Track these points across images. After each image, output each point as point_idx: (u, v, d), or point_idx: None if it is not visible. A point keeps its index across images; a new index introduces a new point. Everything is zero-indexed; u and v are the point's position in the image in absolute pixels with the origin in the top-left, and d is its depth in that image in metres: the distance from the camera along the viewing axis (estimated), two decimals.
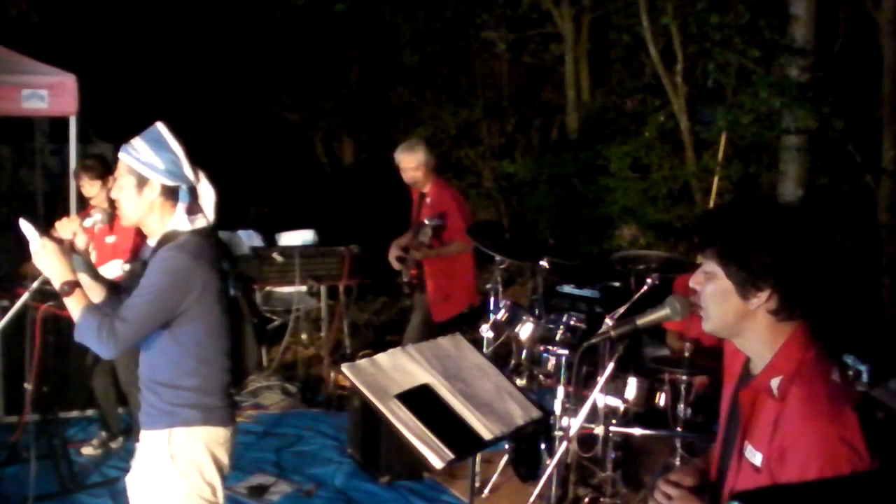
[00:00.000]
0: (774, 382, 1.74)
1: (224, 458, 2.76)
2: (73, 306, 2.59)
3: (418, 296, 5.63)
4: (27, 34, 11.43)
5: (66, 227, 2.75)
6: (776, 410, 1.71)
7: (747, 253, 1.72)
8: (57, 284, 2.60)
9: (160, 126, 2.70)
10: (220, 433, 2.72)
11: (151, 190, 2.65)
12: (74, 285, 2.59)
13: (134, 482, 2.79)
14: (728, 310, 1.78)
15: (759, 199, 1.85)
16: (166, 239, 2.66)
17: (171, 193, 2.66)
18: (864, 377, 3.83)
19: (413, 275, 5.53)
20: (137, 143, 2.67)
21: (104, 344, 2.53)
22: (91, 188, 4.90)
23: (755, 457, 1.74)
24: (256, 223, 8.16)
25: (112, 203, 4.68)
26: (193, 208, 2.69)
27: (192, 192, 2.70)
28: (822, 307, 1.75)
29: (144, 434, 2.74)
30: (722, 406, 1.98)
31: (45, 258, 2.60)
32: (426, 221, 5.36)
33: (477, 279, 5.63)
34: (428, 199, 5.50)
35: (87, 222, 2.86)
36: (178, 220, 2.67)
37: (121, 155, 2.68)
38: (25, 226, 2.69)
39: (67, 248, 2.66)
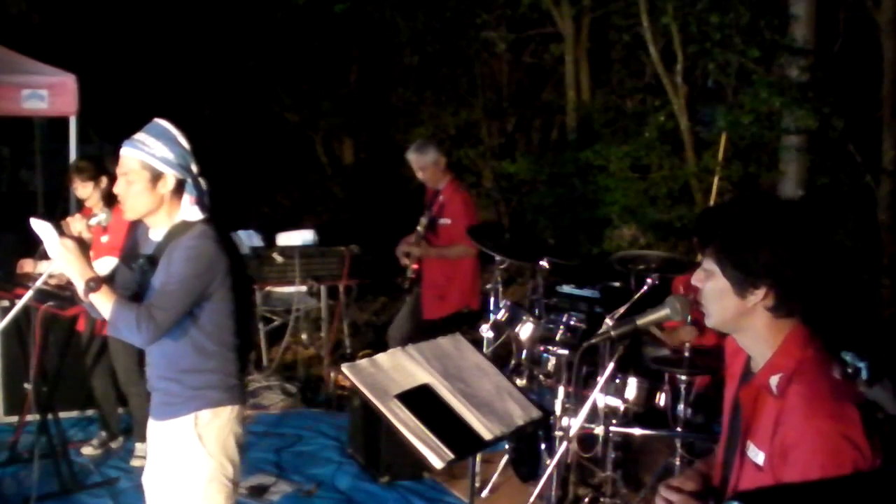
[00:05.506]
0: (774, 380, 1.74)
1: (242, 436, 2.85)
2: (103, 302, 2.60)
3: (416, 290, 5.70)
4: (27, 34, 11.43)
5: (73, 227, 2.78)
6: (777, 408, 1.72)
7: (742, 252, 1.74)
8: (81, 282, 2.60)
9: (162, 121, 2.74)
10: (238, 410, 2.82)
11: (165, 184, 2.69)
12: (100, 281, 2.61)
13: (154, 475, 2.82)
14: (726, 307, 1.79)
15: (755, 198, 1.85)
16: (178, 230, 2.70)
17: (180, 187, 2.71)
18: (864, 374, 3.81)
19: (415, 269, 5.61)
20: (146, 138, 2.70)
21: (143, 333, 2.57)
22: (84, 190, 4.90)
23: (758, 455, 1.74)
24: (256, 223, 8.15)
25: (107, 202, 4.73)
26: (200, 201, 2.74)
27: (198, 186, 2.75)
28: (820, 304, 1.76)
29: (163, 424, 2.77)
30: (724, 407, 1.98)
31: (67, 257, 2.61)
32: (423, 218, 5.49)
33: (478, 283, 5.63)
34: (441, 198, 5.58)
35: (93, 221, 2.88)
36: (188, 212, 2.72)
37: (130, 150, 2.69)
38: (40, 225, 2.68)
39: (86, 245, 2.69)
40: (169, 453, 2.77)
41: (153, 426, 2.83)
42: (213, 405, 2.74)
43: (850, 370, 3.79)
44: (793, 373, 1.72)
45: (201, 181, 2.76)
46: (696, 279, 1.85)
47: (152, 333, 2.58)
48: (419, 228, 5.52)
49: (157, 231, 2.76)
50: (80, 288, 2.61)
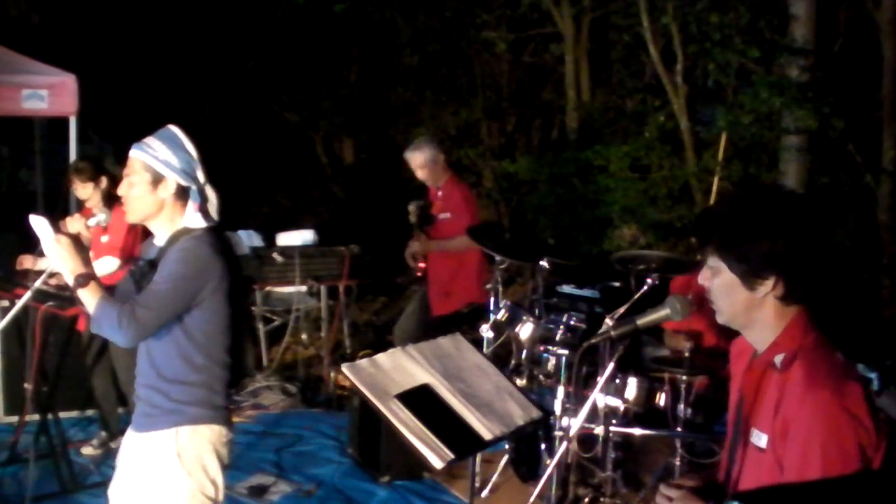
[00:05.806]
0: (778, 358, 1.77)
1: (226, 457, 2.78)
2: (89, 298, 2.57)
3: (422, 289, 5.74)
4: (27, 34, 11.44)
5: (72, 226, 2.77)
6: (779, 387, 1.74)
7: (744, 244, 1.75)
8: (71, 278, 2.58)
9: (174, 128, 2.74)
10: (224, 432, 2.74)
11: (166, 188, 2.67)
12: (89, 277, 2.59)
13: (125, 489, 2.75)
14: (736, 301, 1.81)
15: (750, 191, 1.89)
16: (179, 235, 2.68)
17: (182, 193, 2.69)
18: (875, 385, 3.82)
19: (422, 268, 5.63)
20: (153, 141, 2.70)
21: (125, 331, 2.52)
22: (83, 190, 4.91)
23: (760, 439, 1.77)
24: (256, 223, 8.15)
25: (108, 202, 4.74)
26: (203, 209, 2.72)
27: (202, 194, 2.72)
28: (824, 291, 1.78)
29: (143, 436, 2.72)
30: (729, 409, 1.98)
31: (61, 253, 2.60)
32: (411, 205, 5.58)
33: (483, 277, 5.63)
34: (440, 194, 5.62)
35: (92, 221, 2.88)
36: (191, 219, 2.69)
37: (135, 152, 2.69)
38: (37, 221, 2.68)
39: (81, 243, 2.67)
40: (146, 468, 2.69)
41: (129, 437, 2.77)
42: (194, 422, 2.66)
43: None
44: (795, 353, 1.75)
45: (208, 190, 2.74)
46: (703, 278, 1.87)
47: (133, 332, 2.52)
48: (411, 218, 5.54)
49: (160, 237, 2.74)
50: (69, 283, 2.60)
